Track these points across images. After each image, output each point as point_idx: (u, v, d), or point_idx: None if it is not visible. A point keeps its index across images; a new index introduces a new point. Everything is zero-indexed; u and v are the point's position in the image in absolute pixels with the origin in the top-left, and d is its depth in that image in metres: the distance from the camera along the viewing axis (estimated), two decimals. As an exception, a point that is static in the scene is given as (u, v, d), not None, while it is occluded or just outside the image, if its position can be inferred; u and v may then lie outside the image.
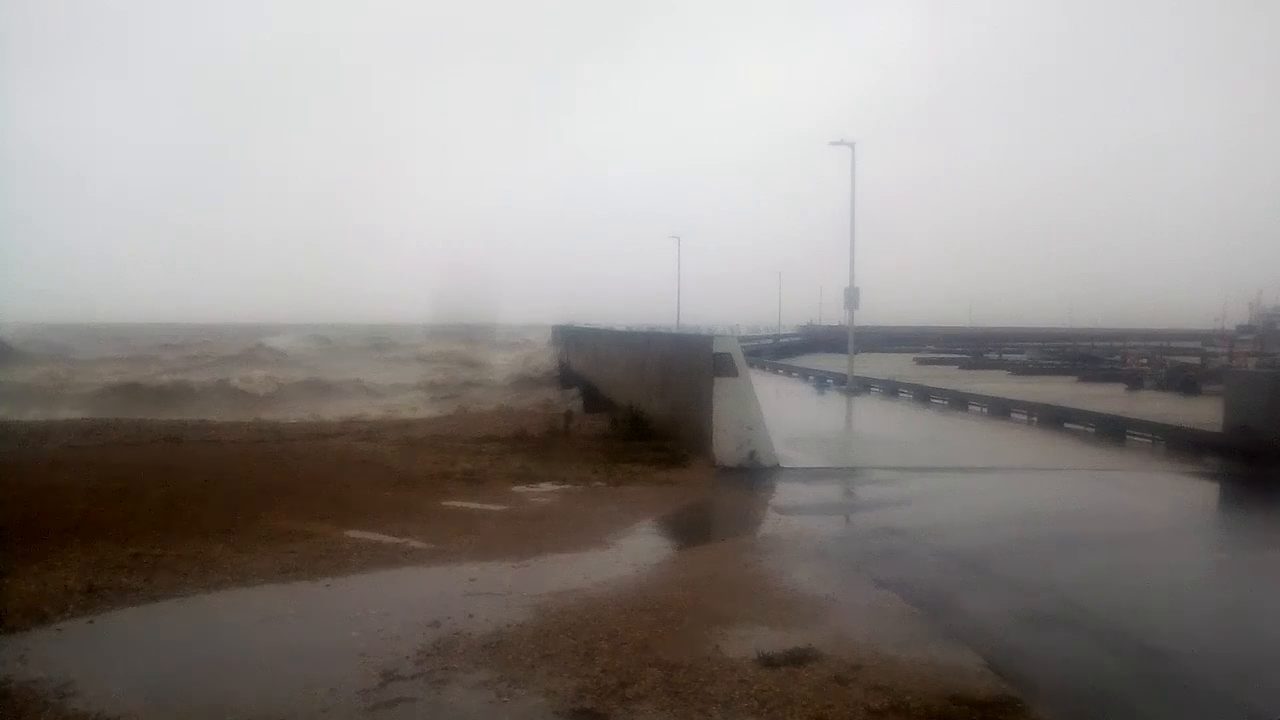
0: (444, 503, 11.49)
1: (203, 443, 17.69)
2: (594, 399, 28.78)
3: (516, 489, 12.41)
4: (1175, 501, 13.26)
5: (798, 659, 6.15)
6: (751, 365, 42.29)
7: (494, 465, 14.14)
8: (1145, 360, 46.30)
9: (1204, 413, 19.74)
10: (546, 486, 12.62)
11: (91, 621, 6.97)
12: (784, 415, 21.53)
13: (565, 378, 39.81)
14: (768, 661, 6.10)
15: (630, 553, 9.17)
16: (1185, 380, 32.90)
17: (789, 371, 40.85)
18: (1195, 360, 45.59)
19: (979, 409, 24.60)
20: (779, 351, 57.65)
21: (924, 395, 27.89)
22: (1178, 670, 6.28)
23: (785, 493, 12.82)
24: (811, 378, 34.91)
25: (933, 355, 57.40)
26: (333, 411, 28.98)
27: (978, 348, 64.27)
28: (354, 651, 6.28)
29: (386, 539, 9.53)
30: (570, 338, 43.99)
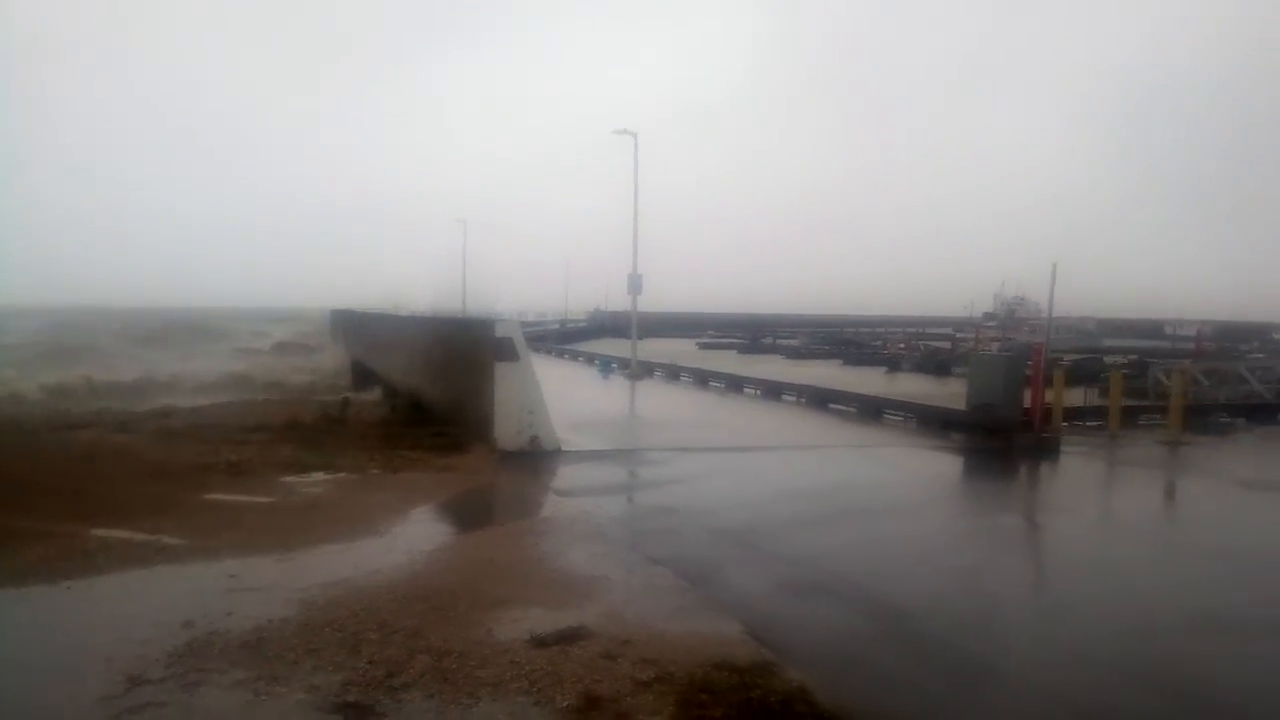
0: (205, 496, 10.84)
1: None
2: (374, 385, 27.93)
3: (286, 479, 11.88)
4: (923, 474, 14.36)
5: (569, 638, 6.24)
6: (538, 350, 42.05)
7: (262, 455, 13.45)
8: (903, 345, 49.88)
9: (952, 392, 21.47)
10: (319, 476, 12.15)
11: None
12: (568, 399, 21.67)
13: (345, 364, 38.40)
14: (540, 642, 6.15)
15: (405, 540, 8.98)
16: (938, 363, 35.75)
17: (575, 356, 41.19)
18: (947, 345, 49.52)
19: (753, 391, 25.70)
20: (566, 337, 58.04)
21: (703, 378, 28.84)
22: (916, 627, 6.83)
23: (566, 475, 12.94)
24: (596, 362, 35.35)
25: (714, 340, 59.38)
26: (80, 402, 26.67)
27: (755, 333, 67.02)
28: (97, 657, 5.84)
29: (138, 536, 8.89)
30: (351, 323, 42.43)
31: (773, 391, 24.89)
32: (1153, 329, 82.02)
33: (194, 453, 13.53)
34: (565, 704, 5.25)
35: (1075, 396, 21.24)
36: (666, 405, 23.50)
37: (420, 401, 18.38)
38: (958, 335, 61.23)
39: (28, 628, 6.62)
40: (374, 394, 24.40)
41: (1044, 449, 16.07)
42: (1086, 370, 27.94)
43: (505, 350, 14.26)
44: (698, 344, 54.22)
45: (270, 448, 14.14)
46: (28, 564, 7.88)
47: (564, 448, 14.60)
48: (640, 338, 32.52)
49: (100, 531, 8.97)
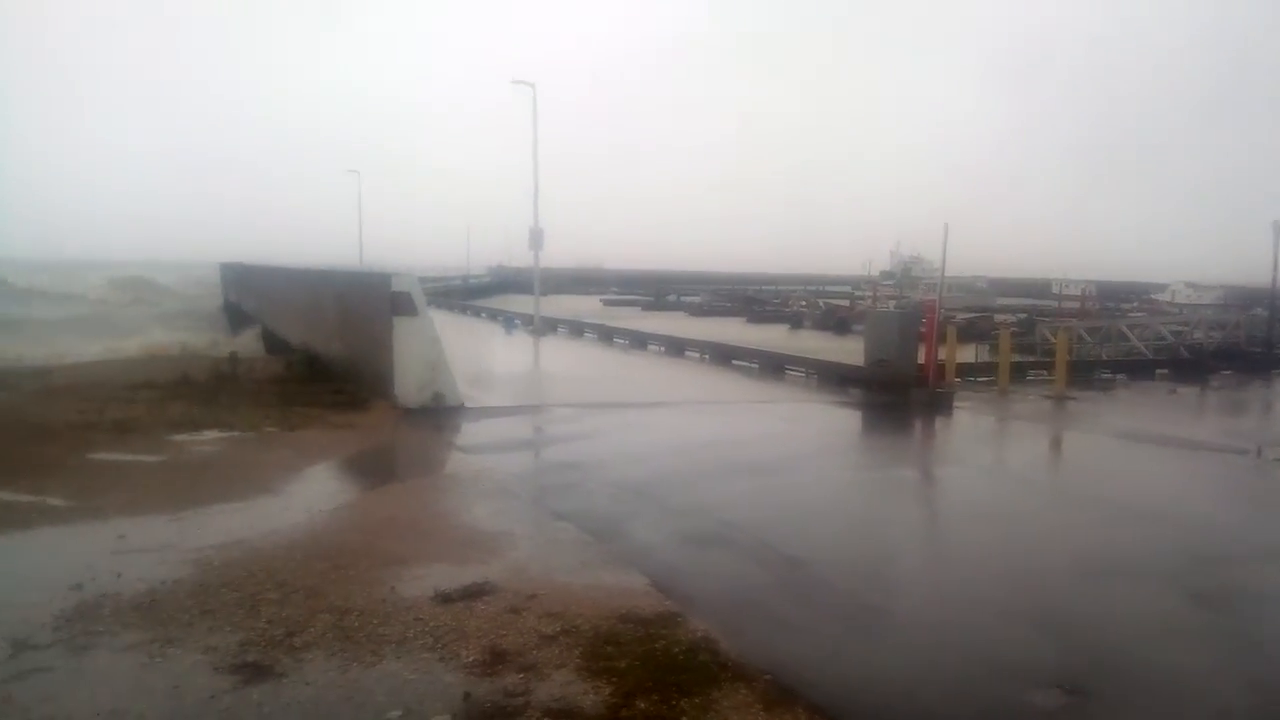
0: (90, 455, 10.40)
1: None
2: (269, 341, 27.17)
3: (177, 438, 11.48)
4: (821, 428, 14.69)
5: (474, 593, 6.22)
6: (441, 307, 41.51)
7: (151, 413, 12.96)
8: (804, 303, 50.78)
9: (851, 349, 21.97)
10: (211, 434, 11.78)
11: None
12: (471, 355, 21.48)
13: (236, 319, 37.22)
14: (444, 598, 6.12)
15: (303, 499, 8.80)
16: (838, 321, 36.60)
17: (478, 312, 40.76)
18: (846, 303, 50.62)
19: (657, 348, 25.86)
20: (469, 293, 57.42)
21: (607, 335, 28.89)
22: (812, 575, 7.01)
23: (469, 432, 12.84)
24: (500, 318, 35.10)
25: (618, 296, 59.52)
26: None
27: (659, 290, 67.30)
28: (-24, 623, 5.59)
29: (19, 498, 8.50)
30: (241, 277, 41.07)
31: (676, 348, 25.08)
32: (1041, 288, 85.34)
33: (75, 411, 12.95)
34: (471, 659, 5.24)
35: (967, 353, 22.01)
36: (570, 361, 23.49)
37: (317, 358, 17.95)
38: (856, 293, 62.66)
39: (-102, 595, 6.28)
40: (248, 342, 23.64)
41: (937, 403, 16.58)
42: (978, 328, 28.99)
43: (403, 305, 14.00)
44: (602, 300, 54.27)
45: (159, 405, 13.64)
46: (-104, 529, 7.48)
47: (467, 404, 14.47)
48: (544, 294, 32.35)
49: (-24, 494, 8.56)
